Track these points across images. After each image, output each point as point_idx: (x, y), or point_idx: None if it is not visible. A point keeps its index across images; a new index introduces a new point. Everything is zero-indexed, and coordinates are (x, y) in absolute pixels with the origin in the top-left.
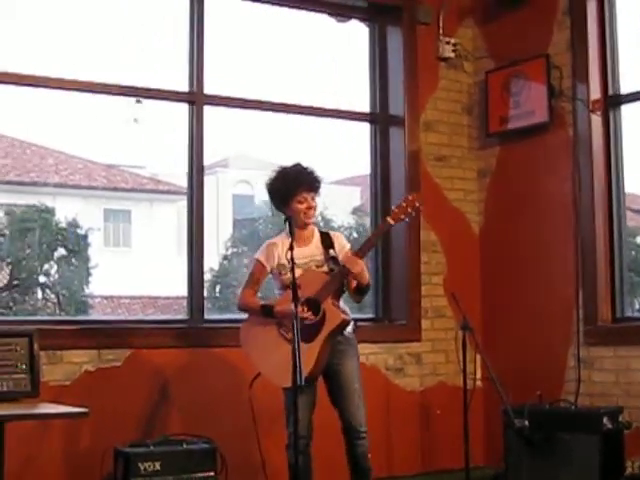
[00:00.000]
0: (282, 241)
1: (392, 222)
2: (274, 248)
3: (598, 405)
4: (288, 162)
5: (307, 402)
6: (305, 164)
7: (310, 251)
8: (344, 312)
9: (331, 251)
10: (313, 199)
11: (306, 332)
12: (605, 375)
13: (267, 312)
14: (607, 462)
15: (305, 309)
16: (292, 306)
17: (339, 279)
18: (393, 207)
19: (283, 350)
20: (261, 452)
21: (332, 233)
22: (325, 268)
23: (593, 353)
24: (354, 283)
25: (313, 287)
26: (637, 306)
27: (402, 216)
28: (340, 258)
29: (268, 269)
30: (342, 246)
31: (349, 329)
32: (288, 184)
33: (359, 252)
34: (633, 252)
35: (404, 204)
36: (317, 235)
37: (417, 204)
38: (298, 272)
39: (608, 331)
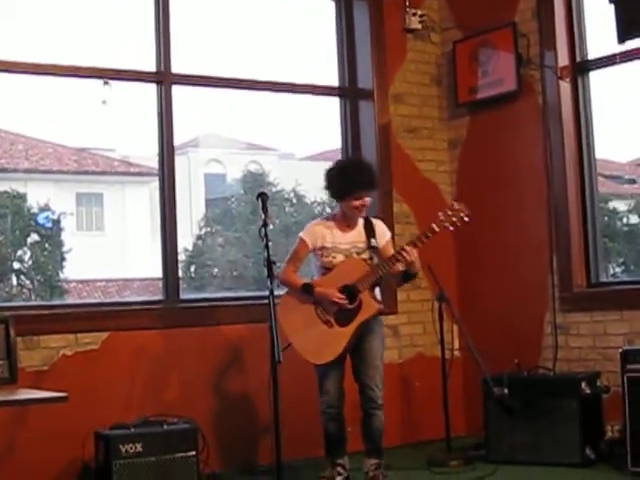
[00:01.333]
0: (328, 224)
1: (437, 229)
2: (319, 229)
3: (576, 370)
4: (350, 156)
5: (336, 375)
6: (367, 162)
7: (353, 237)
8: (379, 301)
9: (372, 240)
10: (367, 196)
11: (342, 316)
12: (582, 340)
13: (307, 291)
14: (587, 427)
15: (342, 295)
16: (332, 291)
17: (382, 272)
18: (440, 214)
19: (318, 329)
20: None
21: (374, 221)
22: (365, 256)
23: (569, 319)
24: (400, 267)
25: (353, 275)
26: (611, 271)
27: (447, 224)
28: (381, 247)
29: (310, 248)
30: (383, 235)
31: None
32: (346, 183)
33: (411, 244)
34: (606, 218)
35: (450, 212)
36: (360, 222)
37: (462, 215)
38: (340, 257)
39: (583, 297)
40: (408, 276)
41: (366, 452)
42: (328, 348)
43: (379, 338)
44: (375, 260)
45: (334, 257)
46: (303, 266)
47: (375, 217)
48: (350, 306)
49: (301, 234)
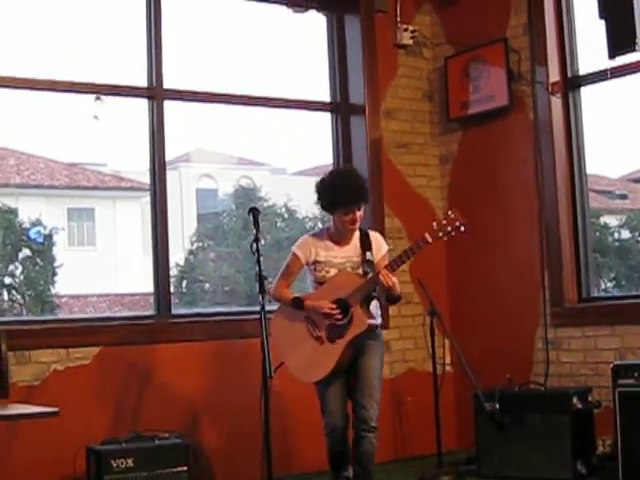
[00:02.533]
0: (322, 238)
1: (430, 240)
2: (312, 243)
3: (567, 385)
4: (341, 166)
5: (339, 394)
6: (357, 174)
7: (348, 252)
8: (371, 317)
9: (368, 254)
10: (359, 209)
11: (333, 332)
12: (573, 355)
13: (297, 304)
14: (578, 442)
15: (332, 305)
16: (323, 302)
17: (373, 284)
18: (433, 223)
19: (309, 346)
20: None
21: (372, 234)
22: (360, 271)
23: (561, 334)
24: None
25: (345, 289)
26: (603, 286)
27: (440, 234)
28: (376, 262)
29: (303, 263)
30: (379, 248)
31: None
32: (335, 197)
33: (391, 266)
34: (597, 233)
35: (444, 222)
36: (356, 234)
37: (458, 224)
38: (334, 272)
39: (575, 312)
40: (389, 298)
41: (354, 475)
42: (319, 365)
43: (377, 356)
44: (370, 275)
45: (327, 271)
46: (298, 282)
47: (373, 229)
48: (341, 322)
49: (293, 248)
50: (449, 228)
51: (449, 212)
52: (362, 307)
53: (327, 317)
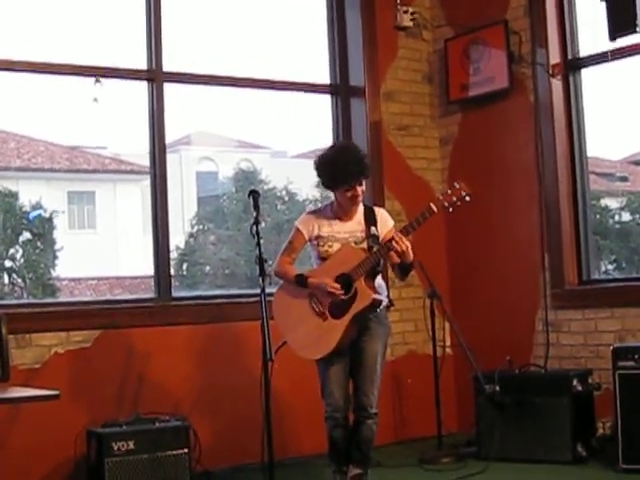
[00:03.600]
0: (325, 213)
1: (435, 209)
2: (315, 218)
3: (567, 368)
4: (339, 142)
5: (340, 376)
6: (356, 149)
7: (351, 227)
8: (377, 292)
9: (373, 229)
10: (361, 185)
11: (336, 308)
12: (573, 338)
13: (300, 282)
14: (578, 424)
15: (336, 285)
16: (326, 280)
17: (377, 258)
18: (439, 194)
19: (312, 323)
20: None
21: (377, 209)
22: (364, 245)
23: (561, 316)
24: (396, 259)
25: (348, 264)
26: (603, 268)
27: (446, 204)
28: (383, 236)
29: (306, 238)
30: (385, 223)
31: (382, 305)
32: (336, 173)
33: (406, 230)
34: (597, 215)
35: (449, 192)
36: (361, 210)
37: (464, 194)
38: (337, 246)
39: (575, 294)
40: (404, 267)
41: (352, 459)
42: (322, 342)
43: (381, 340)
44: (375, 249)
45: (330, 246)
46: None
47: (377, 206)
48: (344, 297)
49: (296, 223)
50: (454, 198)
51: (455, 183)
52: (366, 281)
53: (331, 296)
